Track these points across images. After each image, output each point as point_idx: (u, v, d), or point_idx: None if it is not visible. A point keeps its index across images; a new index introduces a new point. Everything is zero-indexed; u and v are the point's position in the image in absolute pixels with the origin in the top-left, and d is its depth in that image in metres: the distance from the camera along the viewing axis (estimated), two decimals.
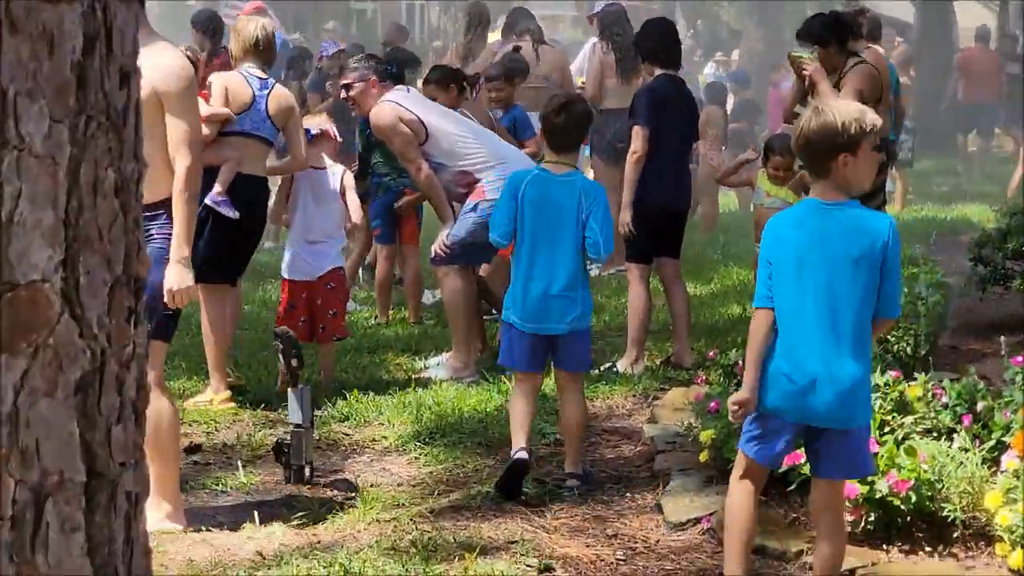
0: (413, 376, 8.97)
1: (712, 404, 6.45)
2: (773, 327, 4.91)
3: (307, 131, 8.82)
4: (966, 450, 5.70)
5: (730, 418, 5.23)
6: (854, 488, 5.57)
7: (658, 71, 9.20)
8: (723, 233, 15.86)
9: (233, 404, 8.14)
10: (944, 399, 6.19)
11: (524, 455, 6.63)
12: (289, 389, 6.87)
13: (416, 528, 6.15)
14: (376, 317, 10.83)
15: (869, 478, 5.60)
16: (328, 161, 8.83)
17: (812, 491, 5.11)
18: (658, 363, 9.20)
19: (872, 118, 4.85)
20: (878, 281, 4.80)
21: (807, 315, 4.83)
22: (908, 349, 6.99)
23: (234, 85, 8.30)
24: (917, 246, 13.08)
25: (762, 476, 5.14)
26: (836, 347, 4.81)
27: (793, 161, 8.65)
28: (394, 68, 9.53)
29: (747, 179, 9.02)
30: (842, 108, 4.88)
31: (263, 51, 8.50)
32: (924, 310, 7.05)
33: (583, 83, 14.09)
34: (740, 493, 5.10)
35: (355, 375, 9.02)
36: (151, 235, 5.73)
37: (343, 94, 9.42)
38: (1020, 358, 6.28)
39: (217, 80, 8.40)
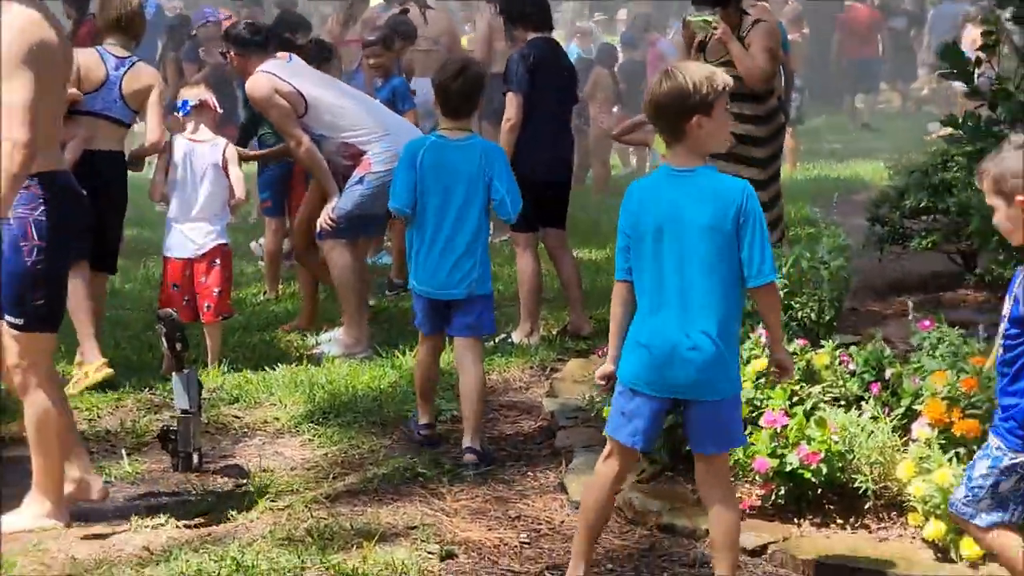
0: (305, 354, 8.69)
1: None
2: (634, 299, 4.84)
3: (184, 103, 8.48)
4: (876, 419, 5.55)
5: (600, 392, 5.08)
6: (764, 462, 5.43)
7: (531, 35, 8.93)
8: (616, 196, 15.64)
9: (110, 371, 7.78)
10: (851, 366, 6.06)
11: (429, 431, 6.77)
12: (174, 373, 6.57)
13: (311, 515, 5.90)
14: (265, 293, 10.51)
15: (779, 451, 5.46)
16: (209, 134, 8.49)
17: (696, 467, 4.99)
18: (555, 333, 9.01)
19: (724, 78, 4.77)
20: (736, 248, 4.69)
21: (664, 285, 4.74)
22: (812, 315, 6.83)
23: (87, 63, 7.92)
24: (815, 209, 13.01)
25: (627, 459, 4.98)
26: (694, 317, 4.70)
27: None
28: (262, 38, 9.10)
29: (643, 139, 8.81)
30: (692, 69, 4.78)
31: (126, 28, 8.13)
32: (827, 275, 6.89)
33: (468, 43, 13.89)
34: (598, 477, 5.00)
35: (244, 354, 8.72)
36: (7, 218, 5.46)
37: (227, 62, 9.08)
38: (927, 322, 6.14)
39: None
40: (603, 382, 5.02)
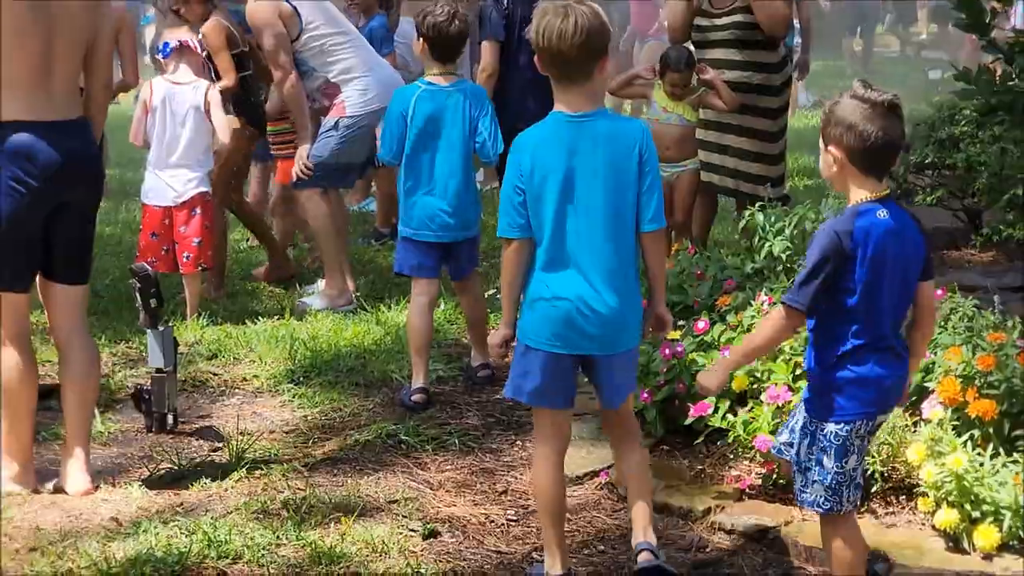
0: (286, 305, 8.39)
1: None
2: (529, 256, 4.56)
3: (165, 44, 8.14)
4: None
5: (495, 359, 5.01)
6: (765, 440, 5.14)
7: None
8: None
9: None
10: None
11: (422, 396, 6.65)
12: (149, 330, 6.27)
13: (288, 486, 5.62)
14: (248, 240, 10.19)
15: (779, 429, 5.17)
16: (190, 75, 8.14)
17: (604, 416, 4.95)
18: None
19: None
20: (636, 192, 4.53)
21: (568, 237, 4.50)
22: None
23: None
24: (812, 158, 12.70)
25: (564, 427, 4.74)
26: (602, 268, 4.51)
27: (691, 76, 8.12)
28: None
29: (641, 92, 8.45)
30: (591, 9, 4.49)
31: None
32: None
33: None
34: (541, 460, 4.70)
35: (224, 305, 8.43)
36: None
37: None
38: (939, 291, 5.83)
39: None
40: (501, 349, 4.76)
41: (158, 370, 6.28)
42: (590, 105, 4.57)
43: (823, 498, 4.22)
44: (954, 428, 4.96)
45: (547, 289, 4.52)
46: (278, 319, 8.02)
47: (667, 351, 5.78)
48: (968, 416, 4.97)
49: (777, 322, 4.25)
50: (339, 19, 8.55)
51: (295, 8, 8.17)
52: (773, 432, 5.16)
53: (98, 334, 7.59)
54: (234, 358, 7.42)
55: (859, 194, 4.11)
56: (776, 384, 5.35)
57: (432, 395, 6.72)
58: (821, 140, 4.16)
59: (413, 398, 6.61)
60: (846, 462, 4.18)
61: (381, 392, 6.87)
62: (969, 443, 4.88)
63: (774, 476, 5.25)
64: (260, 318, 8.04)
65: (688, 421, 5.54)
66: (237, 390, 7.01)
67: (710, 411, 5.42)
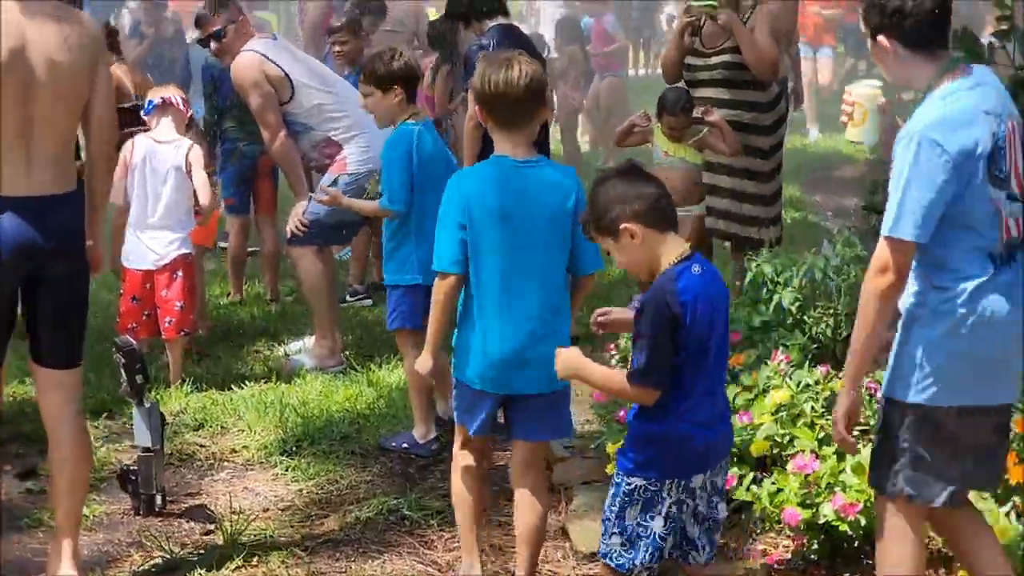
0: (273, 367, 8.09)
1: (620, 413, 5.70)
2: (463, 292, 4.80)
3: (149, 102, 7.86)
4: None
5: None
6: (794, 513, 4.89)
7: (487, 23, 8.22)
8: (586, 177, 15.02)
9: None
10: (879, 393, 5.48)
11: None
12: (135, 408, 5.99)
13: (288, 574, 5.33)
14: (229, 295, 9.90)
15: (810, 500, 4.92)
16: (173, 134, 7.84)
17: (513, 454, 5.06)
18: None
19: None
20: (568, 237, 4.72)
21: (503, 279, 4.69)
22: (828, 331, 6.28)
23: None
24: (795, 188, 12.54)
25: (481, 448, 5.08)
26: (539, 310, 4.69)
27: (689, 118, 7.90)
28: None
29: (642, 138, 8.21)
30: (529, 60, 4.85)
31: None
32: (843, 286, 6.33)
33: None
34: (462, 471, 5.06)
35: (208, 368, 8.13)
36: None
37: (212, 46, 8.41)
38: None
39: None
40: (426, 375, 5.14)
41: (145, 449, 5.99)
42: (532, 151, 4.80)
43: (616, 552, 4.26)
44: (994, 496, 4.71)
45: (479, 331, 4.73)
46: (265, 383, 7.73)
47: None
48: (1008, 483, 4.72)
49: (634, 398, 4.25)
50: (330, 77, 8.33)
51: (286, 73, 7.92)
52: (801, 504, 4.92)
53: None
54: (222, 427, 7.12)
55: (668, 257, 4.15)
56: (803, 452, 5.09)
57: (429, 467, 6.47)
58: (604, 239, 4.25)
59: (433, 447, 6.55)
60: (650, 520, 4.19)
61: (379, 461, 6.59)
62: (1013, 514, 4.63)
63: (804, 550, 4.99)
64: (246, 382, 7.75)
65: None
66: (227, 463, 6.72)
67: (734, 483, 5.16)
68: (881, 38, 4.12)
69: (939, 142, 3.98)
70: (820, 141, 17.63)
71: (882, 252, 4.07)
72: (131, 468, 6.06)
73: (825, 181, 14.94)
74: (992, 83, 4.18)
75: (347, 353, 8.18)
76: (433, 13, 15.54)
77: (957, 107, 4.03)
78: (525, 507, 4.93)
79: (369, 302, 9.63)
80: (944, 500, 4.12)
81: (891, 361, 4.20)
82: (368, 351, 8.29)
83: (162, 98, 7.87)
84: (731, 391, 5.69)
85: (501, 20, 8.21)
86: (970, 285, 4.06)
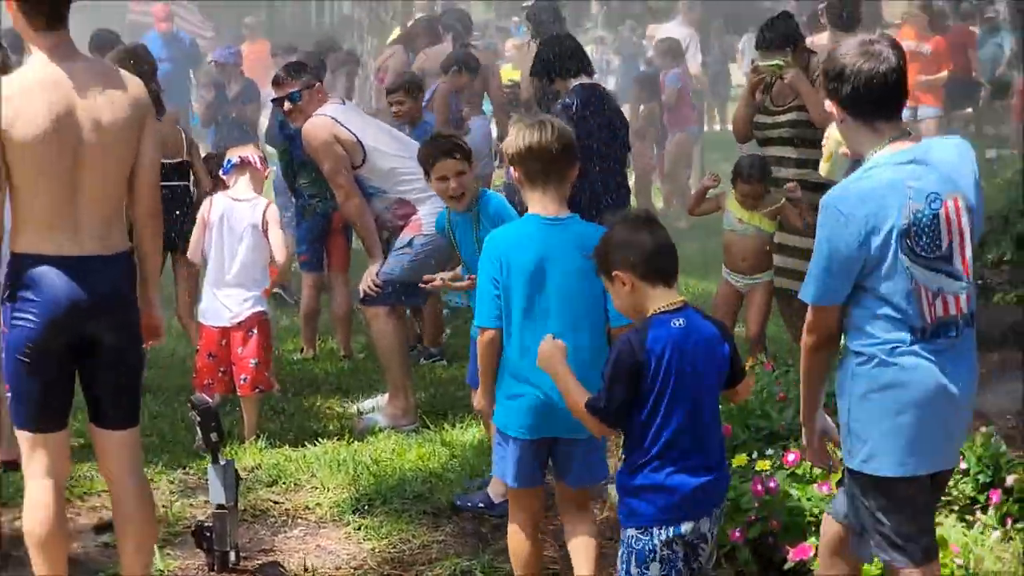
0: (346, 424, 8.14)
1: None
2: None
3: (228, 161, 7.95)
4: (1010, 538, 4.94)
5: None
6: None
7: (572, 82, 8.31)
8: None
9: None
10: (963, 464, 5.45)
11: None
12: (210, 465, 6.04)
13: None
14: (302, 351, 9.96)
15: None
16: (250, 192, 7.93)
17: (559, 497, 5.31)
18: None
19: None
20: (600, 292, 4.82)
21: (548, 329, 4.76)
22: None
23: None
24: None
25: (535, 502, 5.23)
26: (572, 362, 4.60)
27: (763, 186, 7.90)
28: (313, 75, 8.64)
29: (716, 204, 8.21)
30: (560, 122, 5.14)
31: None
32: None
33: (509, 82, 13.30)
34: (518, 534, 5.21)
35: (281, 424, 8.18)
36: None
37: (285, 106, 8.52)
38: None
39: None
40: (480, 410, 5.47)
41: (219, 506, 6.04)
42: (563, 209, 5.04)
43: None
44: None
45: (521, 381, 4.95)
46: (338, 440, 7.77)
47: (758, 486, 5.48)
48: None
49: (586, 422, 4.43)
50: (401, 139, 8.40)
51: (357, 137, 8.01)
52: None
53: (154, 459, 7.38)
54: (295, 484, 7.16)
55: (653, 306, 4.30)
56: None
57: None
58: (604, 276, 4.43)
59: (498, 501, 6.47)
60: (647, 569, 4.31)
61: (451, 521, 6.60)
62: None
63: None
64: (320, 439, 7.79)
65: (788, 566, 5.23)
66: (300, 520, 6.75)
67: (811, 554, 5.12)
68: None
69: (844, 212, 4.20)
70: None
71: (808, 313, 4.39)
72: (205, 524, 6.10)
73: None
74: (936, 162, 4.25)
75: (420, 411, 8.21)
76: (507, 71, 15.64)
77: (872, 180, 4.21)
78: (579, 553, 5.19)
79: (444, 362, 9.65)
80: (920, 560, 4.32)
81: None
82: (442, 410, 8.32)
83: (240, 157, 7.97)
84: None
85: (585, 79, 8.28)
86: (883, 352, 4.25)
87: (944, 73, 16.05)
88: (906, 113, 17.72)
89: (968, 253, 4.23)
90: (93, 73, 5.00)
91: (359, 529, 6.53)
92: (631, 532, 4.35)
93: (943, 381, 4.22)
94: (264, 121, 14.58)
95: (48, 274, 4.90)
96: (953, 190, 4.22)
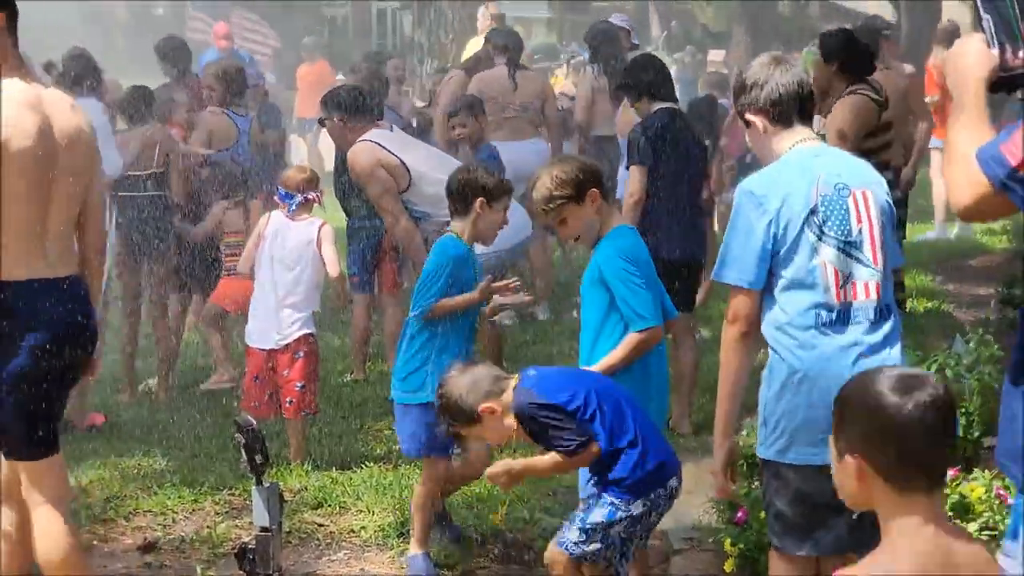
0: (393, 447, 8.06)
1: (739, 514, 5.59)
2: None
3: (290, 196, 7.89)
4: None
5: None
6: None
7: (656, 105, 8.29)
8: None
9: None
10: (1009, 499, 5.33)
11: None
12: (254, 487, 6.00)
13: None
14: (351, 373, 9.91)
15: None
16: (306, 213, 7.90)
17: None
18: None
19: None
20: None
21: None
22: (959, 430, 6.13)
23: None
24: (933, 276, 12.33)
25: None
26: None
27: None
28: (368, 103, 8.65)
29: None
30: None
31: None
32: (976, 385, 6.18)
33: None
34: None
35: (329, 447, 8.13)
36: None
37: (328, 126, 8.54)
38: None
39: None
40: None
41: (263, 528, 6.00)
42: None
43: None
44: None
45: None
46: (384, 463, 7.72)
47: None
48: None
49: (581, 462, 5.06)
50: (444, 158, 8.39)
51: (402, 161, 8.00)
52: None
53: (201, 480, 7.38)
54: (340, 507, 7.12)
55: None
56: None
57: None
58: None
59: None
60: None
61: (496, 545, 6.54)
62: None
63: None
64: (366, 462, 7.74)
65: None
66: (344, 543, 6.71)
67: None
68: (748, 115, 4.59)
69: (756, 194, 4.43)
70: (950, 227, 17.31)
71: (729, 302, 4.53)
72: (249, 546, 6.05)
73: (959, 270, 14.66)
74: (847, 160, 4.64)
75: None
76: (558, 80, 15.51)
77: (785, 166, 4.47)
78: None
79: None
80: (807, 551, 4.46)
81: None
82: None
83: (305, 197, 7.87)
84: None
85: (667, 104, 8.28)
86: (797, 337, 4.39)
87: None
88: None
89: (878, 243, 4.44)
90: (56, 98, 5.10)
91: (403, 553, 6.48)
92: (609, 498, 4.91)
93: (857, 368, 4.26)
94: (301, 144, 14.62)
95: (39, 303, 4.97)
96: (862, 185, 4.49)
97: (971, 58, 3.17)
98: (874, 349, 4.41)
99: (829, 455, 4.19)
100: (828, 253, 4.39)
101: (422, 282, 6.17)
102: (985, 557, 2.91)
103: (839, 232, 4.40)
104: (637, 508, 4.94)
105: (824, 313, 4.39)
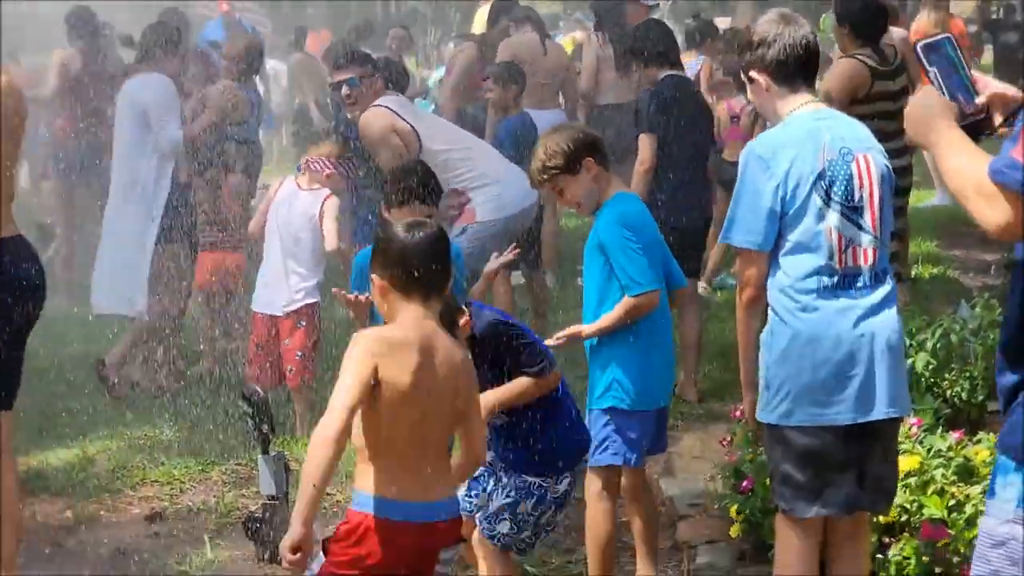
0: None
1: (744, 483, 5.59)
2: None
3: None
4: None
5: None
6: None
7: (663, 72, 8.28)
8: None
9: None
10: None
11: None
12: (260, 456, 6.01)
13: None
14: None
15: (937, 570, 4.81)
16: (315, 184, 7.92)
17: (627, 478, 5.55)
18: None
19: None
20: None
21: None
22: (963, 394, 6.15)
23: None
24: (939, 242, 12.32)
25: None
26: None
27: None
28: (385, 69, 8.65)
29: None
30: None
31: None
32: (981, 349, 6.19)
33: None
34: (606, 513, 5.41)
35: None
36: None
37: (343, 91, 8.48)
38: None
39: None
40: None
41: (270, 497, 6.02)
42: None
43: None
44: None
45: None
46: None
47: None
48: None
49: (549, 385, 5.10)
50: (459, 133, 8.39)
51: (412, 126, 7.99)
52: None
53: (209, 451, 7.40)
54: (347, 476, 7.12)
55: None
56: (931, 520, 4.96)
57: None
58: None
59: None
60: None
61: None
62: None
63: None
64: None
65: None
66: None
67: None
68: (752, 72, 4.59)
69: (764, 157, 4.46)
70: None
71: (738, 265, 4.61)
72: (256, 515, 6.06)
73: (964, 236, 14.63)
74: (849, 123, 4.64)
75: None
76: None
77: (791, 129, 4.48)
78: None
79: None
80: (817, 512, 4.47)
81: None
82: None
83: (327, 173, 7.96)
84: None
85: (675, 71, 8.26)
86: (801, 304, 4.42)
87: None
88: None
89: (876, 209, 4.48)
90: None
91: None
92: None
93: (858, 330, 4.40)
94: None
95: None
96: (864, 149, 4.51)
97: (933, 108, 3.14)
98: (873, 311, 4.43)
99: (833, 414, 4.34)
100: (833, 218, 4.41)
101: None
102: (459, 353, 4.12)
103: (843, 196, 4.42)
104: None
105: (826, 277, 4.41)
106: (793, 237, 4.44)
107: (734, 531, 5.64)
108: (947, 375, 6.21)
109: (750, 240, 4.48)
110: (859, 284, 4.44)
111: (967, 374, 6.18)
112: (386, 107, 8.12)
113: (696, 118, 8.27)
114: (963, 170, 2.99)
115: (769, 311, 4.51)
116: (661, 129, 8.01)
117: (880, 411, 4.46)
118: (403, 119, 8.05)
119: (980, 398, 6.19)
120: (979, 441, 5.45)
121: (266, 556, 6.03)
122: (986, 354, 6.10)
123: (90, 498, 6.89)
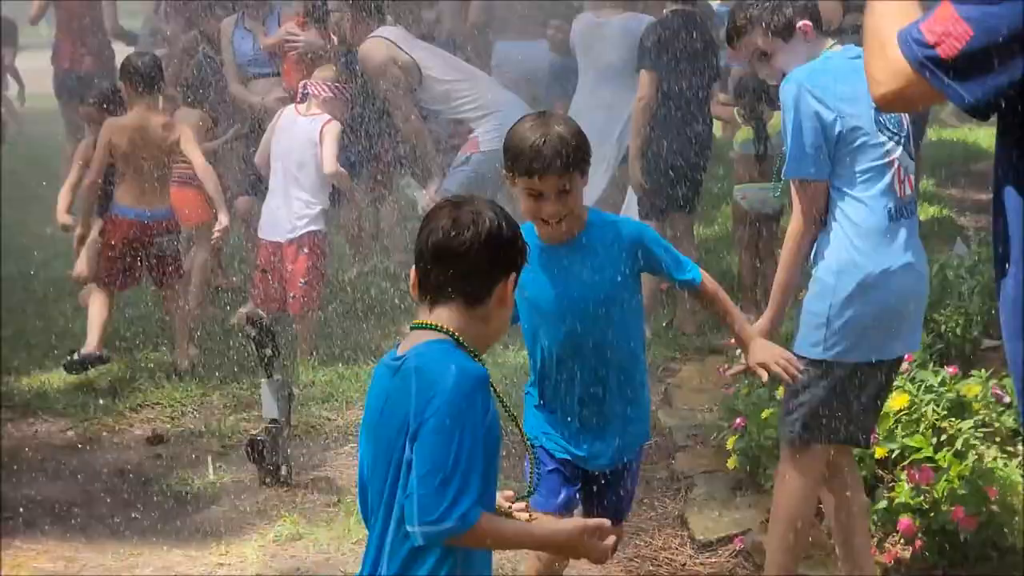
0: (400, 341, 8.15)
1: (738, 421, 5.67)
2: None
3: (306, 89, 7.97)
4: None
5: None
6: (910, 524, 4.84)
7: (671, 5, 8.25)
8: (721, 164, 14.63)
9: None
10: (1006, 399, 5.42)
11: None
12: (263, 380, 6.09)
13: None
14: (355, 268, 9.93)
15: (925, 508, 4.88)
16: (316, 110, 7.94)
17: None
18: (664, 325, 8.36)
19: None
20: None
21: None
22: (958, 330, 6.21)
23: None
24: (931, 182, 12.35)
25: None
26: None
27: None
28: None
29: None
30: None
31: None
32: (975, 286, 6.25)
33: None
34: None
35: (338, 341, 8.20)
36: None
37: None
38: None
39: None
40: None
41: (272, 421, 6.11)
42: None
43: None
44: None
45: None
46: None
47: None
48: None
49: None
50: (454, 62, 8.41)
51: (413, 59, 8.02)
52: (918, 512, 4.88)
53: (210, 376, 7.48)
54: (347, 402, 7.21)
55: None
56: (916, 459, 5.03)
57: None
58: None
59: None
60: None
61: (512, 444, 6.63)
62: None
63: (922, 553, 4.95)
64: (375, 357, 7.81)
65: None
66: (352, 436, 6.77)
67: None
68: (802, 22, 4.59)
69: (817, 88, 4.40)
70: (956, 133, 17.22)
71: (795, 197, 4.48)
72: (258, 438, 6.15)
73: (962, 175, 14.62)
74: None
75: None
76: None
77: (838, 62, 4.49)
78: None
79: None
80: (831, 440, 4.48)
81: (801, 319, 4.50)
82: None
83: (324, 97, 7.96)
84: None
85: (681, 6, 8.19)
86: (873, 242, 4.38)
87: None
88: None
89: (913, 138, 4.53)
90: None
91: None
92: None
93: (911, 259, 4.43)
94: None
95: None
96: None
97: None
98: (917, 243, 4.50)
99: (889, 351, 4.41)
100: (894, 148, 4.42)
101: None
102: None
103: (896, 127, 4.44)
104: None
105: (893, 209, 4.40)
106: (860, 168, 4.41)
107: (731, 463, 5.72)
108: (942, 311, 6.27)
109: (811, 172, 4.43)
110: (909, 212, 4.46)
111: (963, 311, 6.25)
112: (385, 38, 8.14)
113: (694, 55, 8.12)
114: (887, 16, 2.76)
115: (833, 248, 4.44)
116: (661, 65, 7.99)
117: (914, 343, 4.58)
118: (402, 49, 8.07)
119: (974, 334, 6.27)
120: (971, 376, 5.52)
121: (267, 479, 6.15)
122: (982, 291, 6.16)
123: (90, 418, 6.96)
